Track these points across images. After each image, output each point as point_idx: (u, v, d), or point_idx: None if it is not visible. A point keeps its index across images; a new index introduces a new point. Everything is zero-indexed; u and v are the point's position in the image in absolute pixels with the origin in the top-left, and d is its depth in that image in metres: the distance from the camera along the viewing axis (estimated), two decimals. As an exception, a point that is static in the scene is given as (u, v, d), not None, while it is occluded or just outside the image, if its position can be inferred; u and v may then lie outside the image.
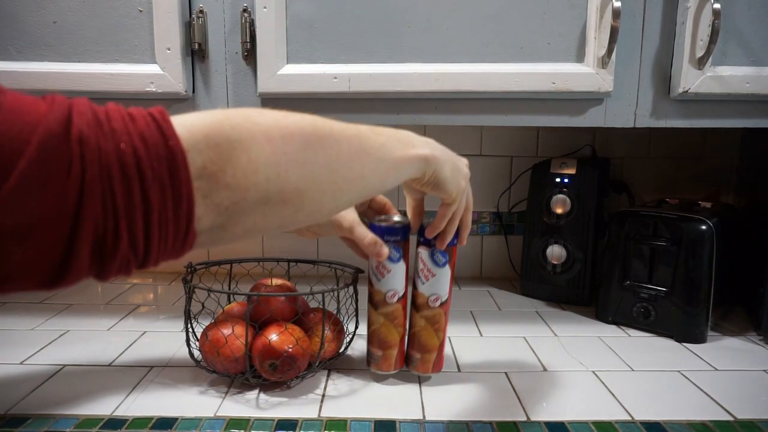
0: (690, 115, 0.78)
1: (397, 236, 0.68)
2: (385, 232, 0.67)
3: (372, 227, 0.68)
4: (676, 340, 0.86)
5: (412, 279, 0.70)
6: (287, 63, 0.76)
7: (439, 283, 0.68)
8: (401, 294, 0.69)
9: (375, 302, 0.70)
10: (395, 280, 0.69)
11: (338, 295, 0.74)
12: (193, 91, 0.78)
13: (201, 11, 0.75)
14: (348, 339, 0.77)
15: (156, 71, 0.75)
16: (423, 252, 0.68)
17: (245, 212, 0.41)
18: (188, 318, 0.71)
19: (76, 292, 1.05)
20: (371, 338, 0.71)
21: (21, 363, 0.76)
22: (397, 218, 0.69)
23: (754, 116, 0.78)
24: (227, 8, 0.76)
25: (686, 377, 0.74)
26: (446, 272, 0.68)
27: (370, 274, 0.70)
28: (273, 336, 0.67)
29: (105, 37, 0.76)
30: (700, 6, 0.73)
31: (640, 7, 0.75)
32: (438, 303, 0.69)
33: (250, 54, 0.76)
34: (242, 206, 0.40)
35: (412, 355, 0.71)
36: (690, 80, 0.75)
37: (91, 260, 0.35)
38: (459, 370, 0.76)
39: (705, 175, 1.14)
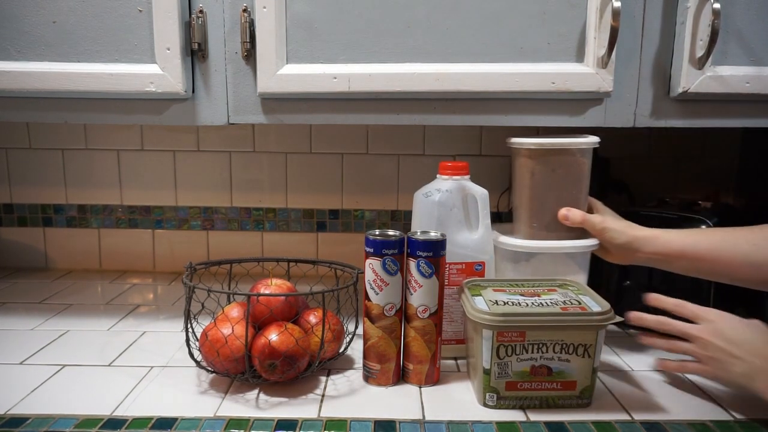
0: (690, 115, 0.78)
1: (394, 249, 0.68)
2: (382, 246, 0.68)
3: (368, 241, 0.69)
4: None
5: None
6: (287, 63, 0.76)
7: (426, 294, 0.69)
8: (399, 307, 0.70)
9: (372, 316, 0.70)
10: (393, 293, 0.69)
11: (338, 295, 0.74)
12: (193, 91, 0.78)
13: (201, 11, 0.75)
14: (348, 339, 0.77)
15: (156, 71, 0.75)
16: (410, 263, 0.69)
17: None
18: (188, 318, 0.71)
19: (76, 292, 1.05)
20: (368, 352, 0.71)
21: (21, 363, 0.76)
22: (391, 232, 0.70)
23: (754, 116, 0.78)
24: (227, 8, 0.76)
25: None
26: (434, 283, 0.69)
27: (367, 289, 0.70)
28: (273, 336, 0.67)
29: (105, 37, 0.76)
30: (700, 6, 0.73)
31: (640, 7, 0.75)
32: (427, 314, 0.69)
33: (249, 54, 0.76)
34: None
35: (406, 366, 0.72)
36: (690, 80, 0.75)
37: None
38: (458, 370, 0.76)
39: (705, 175, 1.13)
